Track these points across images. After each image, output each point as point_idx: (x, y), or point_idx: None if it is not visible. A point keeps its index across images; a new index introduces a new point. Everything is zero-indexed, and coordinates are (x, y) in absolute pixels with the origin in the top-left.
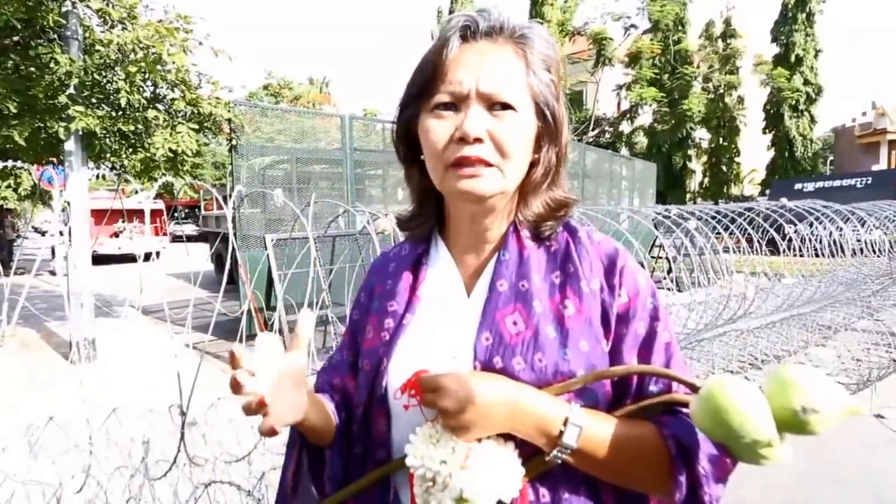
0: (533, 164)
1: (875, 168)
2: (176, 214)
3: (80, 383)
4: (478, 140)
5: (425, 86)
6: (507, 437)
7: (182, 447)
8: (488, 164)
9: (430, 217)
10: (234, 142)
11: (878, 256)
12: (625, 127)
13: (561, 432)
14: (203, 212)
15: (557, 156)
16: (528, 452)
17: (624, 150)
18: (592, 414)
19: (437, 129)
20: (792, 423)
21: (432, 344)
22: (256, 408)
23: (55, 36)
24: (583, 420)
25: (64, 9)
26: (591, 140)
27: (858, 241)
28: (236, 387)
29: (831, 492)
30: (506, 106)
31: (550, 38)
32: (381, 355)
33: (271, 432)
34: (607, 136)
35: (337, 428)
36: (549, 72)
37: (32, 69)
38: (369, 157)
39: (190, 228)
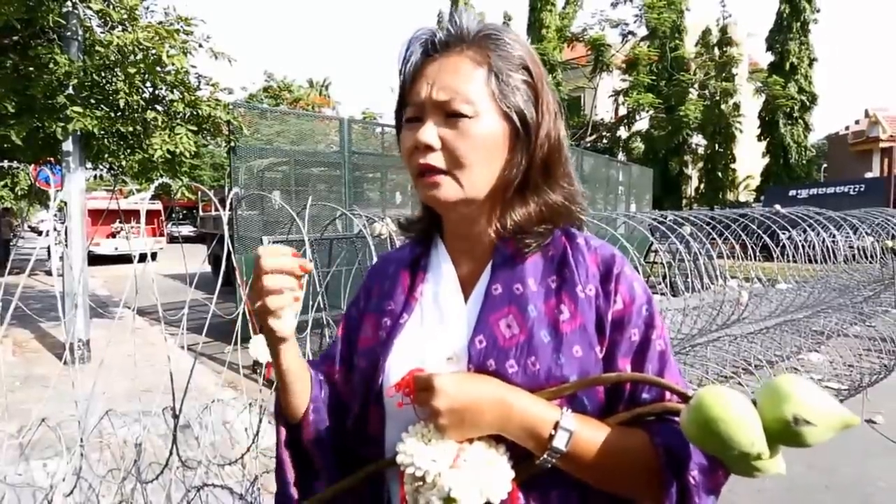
0: (507, 166)
1: (868, 175)
2: (174, 215)
3: (72, 385)
4: (429, 148)
5: (400, 100)
6: (498, 439)
7: (174, 450)
8: (442, 172)
9: (430, 221)
10: (232, 143)
11: (870, 263)
12: (622, 132)
13: (551, 436)
14: (201, 213)
15: (532, 158)
16: (519, 456)
17: (621, 156)
18: (583, 419)
19: (405, 140)
20: (784, 435)
21: (429, 345)
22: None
23: (55, 36)
24: (573, 425)
25: (64, 9)
26: (588, 145)
27: (851, 247)
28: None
29: (822, 498)
30: (459, 114)
31: (522, 39)
32: (377, 354)
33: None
34: (605, 141)
35: (331, 427)
36: (524, 73)
37: (31, 69)
38: (367, 160)
39: (187, 229)
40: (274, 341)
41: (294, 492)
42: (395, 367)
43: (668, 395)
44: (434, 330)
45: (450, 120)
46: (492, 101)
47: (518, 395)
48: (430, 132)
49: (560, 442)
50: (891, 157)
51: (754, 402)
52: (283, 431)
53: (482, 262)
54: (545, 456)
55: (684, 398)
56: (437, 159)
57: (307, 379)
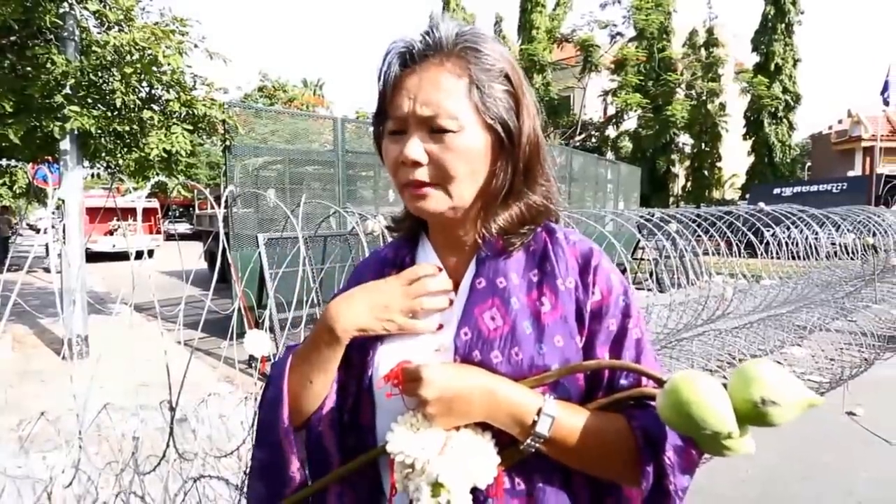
0: (492, 175)
1: (850, 174)
2: (170, 213)
3: (70, 379)
4: (416, 163)
5: (380, 110)
6: (484, 426)
7: (171, 442)
8: (431, 185)
9: (415, 220)
10: (227, 142)
11: (852, 259)
12: (610, 132)
13: (534, 422)
14: (197, 211)
15: (515, 165)
16: (505, 442)
17: (609, 155)
18: (565, 405)
19: (389, 153)
20: (752, 415)
21: (416, 338)
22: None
23: (52, 36)
24: (556, 411)
25: (61, 10)
26: (577, 144)
27: (833, 244)
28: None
29: (803, 487)
30: (443, 128)
31: (501, 48)
32: (367, 348)
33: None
34: (593, 140)
35: (337, 420)
36: (504, 82)
37: (29, 69)
38: (361, 158)
39: (184, 227)
40: (344, 338)
41: (297, 473)
42: (385, 360)
43: (644, 380)
44: None
45: (434, 134)
46: (475, 114)
47: (503, 383)
48: (416, 148)
49: (543, 427)
50: (872, 156)
51: (725, 386)
52: (286, 417)
53: (467, 258)
54: (529, 441)
55: (660, 383)
56: (424, 174)
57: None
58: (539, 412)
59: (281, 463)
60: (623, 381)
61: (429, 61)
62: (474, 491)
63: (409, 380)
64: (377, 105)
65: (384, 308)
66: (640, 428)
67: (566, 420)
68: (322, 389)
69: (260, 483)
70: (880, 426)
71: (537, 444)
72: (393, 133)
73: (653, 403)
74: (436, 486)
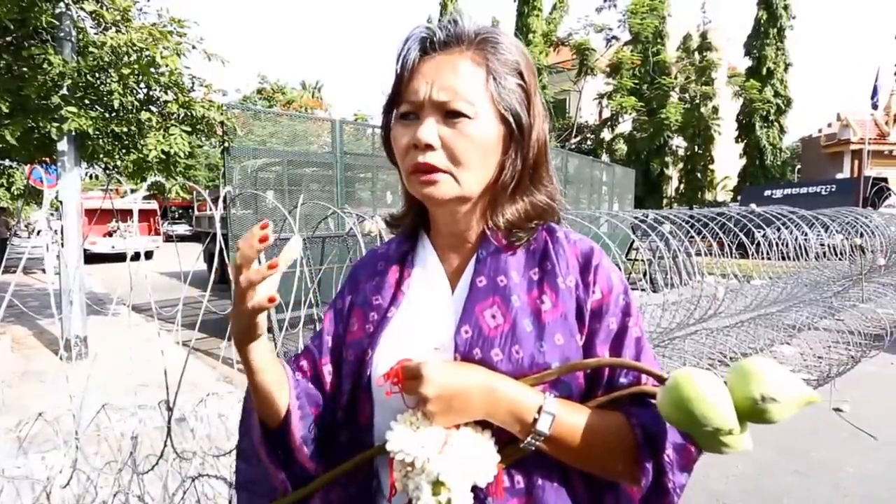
0: (501, 168)
1: (839, 176)
2: (169, 214)
3: (66, 379)
4: (429, 147)
5: (393, 96)
6: (484, 424)
7: (169, 441)
8: (441, 171)
9: (415, 216)
10: (226, 144)
11: (840, 260)
12: (605, 134)
13: (535, 420)
14: (196, 212)
15: (524, 159)
16: (505, 440)
17: (604, 157)
18: (565, 403)
19: (400, 137)
20: (752, 412)
21: (415, 336)
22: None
23: (48, 37)
24: (556, 409)
25: (57, 10)
26: (573, 146)
27: (822, 245)
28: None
29: (793, 481)
30: (458, 114)
31: (518, 44)
32: (365, 346)
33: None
34: (589, 142)
35: (317, 416)
36: (518, 77)
37: (25, 69)
38: (359, 160)
39: (183, 228)
40: (246, 350)
41: (274, 469)
42: (383, 358)
43: (644, 378)
44: (421, 321)
45: (448, 119)
46: (490, 103)
47: (503, 381)
48: (430, 131)
49: (543, 425)
50: (861, 159)
51: (725, 384)
52: (259, 431)
53: (467, 256)
54: (529, 439)
55: (660, 380)
56: (435, 158)
57: (283, 372)
58: (539, 410)
59: (255, 453)
60: (623, 380)
61: (449, 49)
62: (474, 489)
63: (409, 377)
64: (392, 89)
65: (238, 308)
66: (639, 426)
67: (567, 418)
68: (272, 387)
69: (242, 479)
70: (865, 422)
71: (538, 443)
72: (405, 118)
73: (653, 401)
74: (436, 485)
